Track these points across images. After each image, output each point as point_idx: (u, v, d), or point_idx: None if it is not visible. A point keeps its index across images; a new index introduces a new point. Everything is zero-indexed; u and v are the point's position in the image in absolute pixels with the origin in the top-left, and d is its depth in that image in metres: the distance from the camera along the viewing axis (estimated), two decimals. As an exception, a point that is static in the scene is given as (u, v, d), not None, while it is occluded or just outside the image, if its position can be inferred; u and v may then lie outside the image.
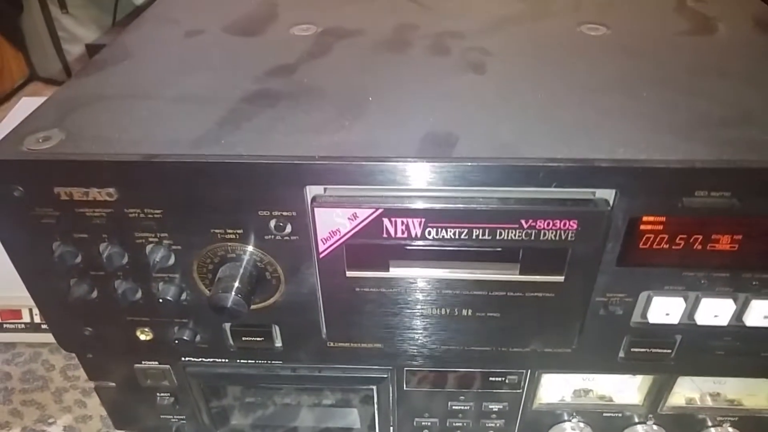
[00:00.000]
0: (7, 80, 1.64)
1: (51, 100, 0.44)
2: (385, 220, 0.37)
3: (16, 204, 0.38)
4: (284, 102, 0.43)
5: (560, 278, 0.40)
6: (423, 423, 0.58)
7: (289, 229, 0.39)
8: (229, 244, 0.40)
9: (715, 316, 0.42)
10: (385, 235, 0.38)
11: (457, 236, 0.38)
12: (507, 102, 0.43)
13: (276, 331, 0.47)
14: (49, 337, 0.78)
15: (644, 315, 0.43)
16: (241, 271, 0.40)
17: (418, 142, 0.38)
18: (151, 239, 0.40)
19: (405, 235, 0.38)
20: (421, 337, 0.46)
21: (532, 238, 0.38)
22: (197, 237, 0.40)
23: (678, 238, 0.39)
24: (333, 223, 0.38)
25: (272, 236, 0.39)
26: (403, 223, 0.38)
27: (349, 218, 0.37)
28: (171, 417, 0.58)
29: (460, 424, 0.57)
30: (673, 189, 0.36)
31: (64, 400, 0.74)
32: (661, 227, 0.38)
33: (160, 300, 0.43)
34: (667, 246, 0.39)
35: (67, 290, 0.43)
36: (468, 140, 0.38)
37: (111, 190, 0.37)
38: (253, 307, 0.43)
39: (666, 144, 0.37)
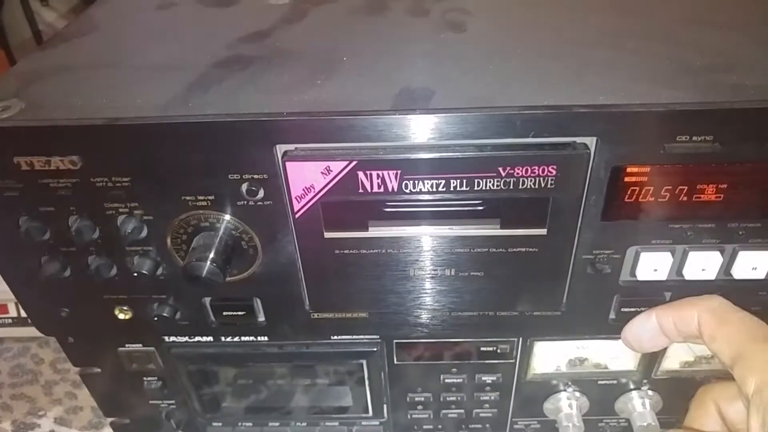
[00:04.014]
0: (-9, 78, 1.62)
1: (12, 72, 0.42)
2: (360, 174, 0.36)
3: (-24, 177, 0.37)
4: (255, 65, 0.42)
5: (543, 231, 0.39)
6: (416, 399, 0.57)
7: (261, 193, 0.38)
8: (201, 212, 0.39)
9: (703, 269, 0.41)
10: (360, 191, 0.37)
11: (434, 188, 0.37)
12: (486, 58, 0.42)
13: (258, 304, 0.45)
14: (37, 331, 0.77)
15: (633, 272, 0.42)
16: (216, 240, 0.39)
17: (392, 98, 0.37)
18: (121, 210, 0.39)
19: (381, 190, 0.37)
20: (406, 302, 0.45)
21: (511, 187, 0.37)
22: (168, 205, 0.39)
23: (663, 190, 0.38)
24: (306, 179, 0.37)
25: (245, 201, 0.38)
26: (378, 176, 0.36)
27: (322, 172, 0.36)
28: (160, 402, 0.57)
29: (455, 398, 0.56)
30: (654, 134, 0.35)
31: (54, 392, 0.74)
32: (645, 178, 0.37)
33: (135, 274, 0.41)
34: (652, 198, 0.38)
35: (38, 269, 0.42)
36: (444, 94, 0.37)
37: (74, 158, 0.36)
38: (231, 279, 0.42)
39: (647, 91, 0.36)
